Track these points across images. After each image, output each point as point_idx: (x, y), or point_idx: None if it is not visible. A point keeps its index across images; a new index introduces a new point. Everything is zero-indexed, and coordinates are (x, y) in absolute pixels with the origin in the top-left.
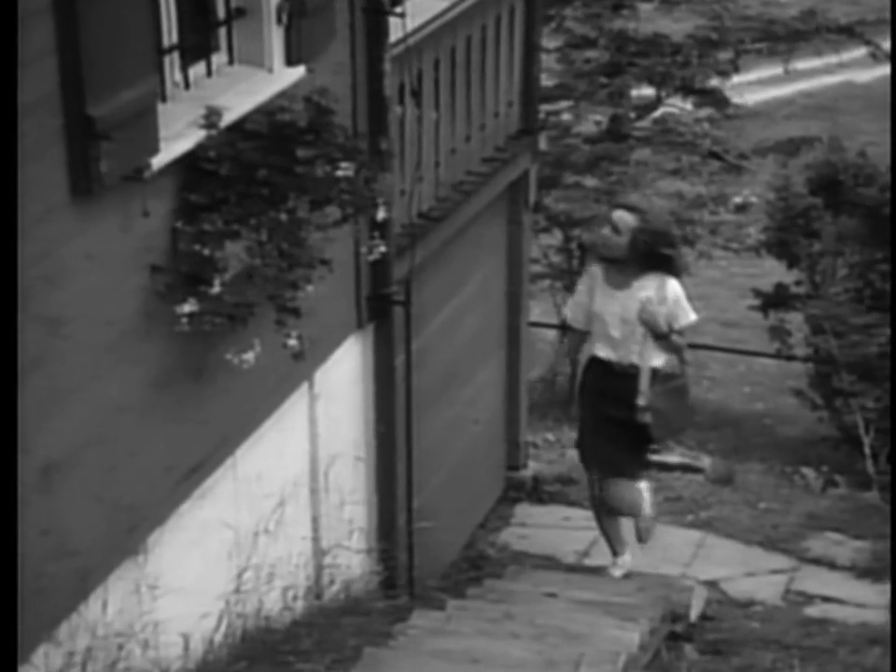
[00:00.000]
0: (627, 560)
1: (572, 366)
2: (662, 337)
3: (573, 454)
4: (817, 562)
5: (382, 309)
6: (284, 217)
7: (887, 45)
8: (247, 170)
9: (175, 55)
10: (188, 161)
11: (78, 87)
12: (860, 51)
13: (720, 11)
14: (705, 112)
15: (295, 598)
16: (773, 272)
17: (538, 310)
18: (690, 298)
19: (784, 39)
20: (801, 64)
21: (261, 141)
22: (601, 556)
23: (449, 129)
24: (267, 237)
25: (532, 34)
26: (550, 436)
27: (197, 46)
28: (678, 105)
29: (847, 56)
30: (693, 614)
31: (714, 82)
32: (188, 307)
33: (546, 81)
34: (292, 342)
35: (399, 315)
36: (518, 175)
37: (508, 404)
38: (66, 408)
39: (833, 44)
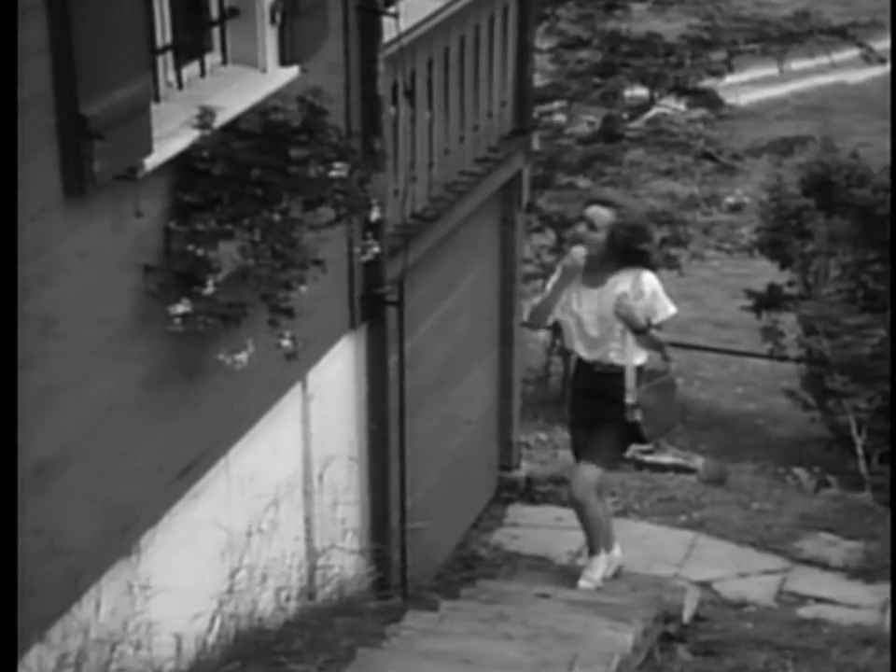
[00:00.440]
0: (616, 557)
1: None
2: (640, 332)
3: (566, 454)
4: (809, 562)
5: (375, 309)
6: (277, 217)
7: (879, 46)
8: (241, 170)
9: (169, 55)
10: (181, 161)
11: (71, 86)
12: (852, 53)
13: (712, 12)
14: (698, 112)
15: (288, 599)
16: (765, 272)
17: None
18: (670, 295)
19: (777, 40)
20: (793, 65)
21: (255, 141)
22: None
23: (442, 129)
24: (260, 237)
25: (525, 34)
26: (542, 436)
27: (190, 45)
28: (671, 106)
29: (839, 57)
30: (686, 615)
31: (707, 83)
32: (181, 307)
33: (539, 82)
34: (285, 342)
35: (393, 316)
36: (511, 175)
37: (500, 404)
38: (59, 407)
39: (825, 45)
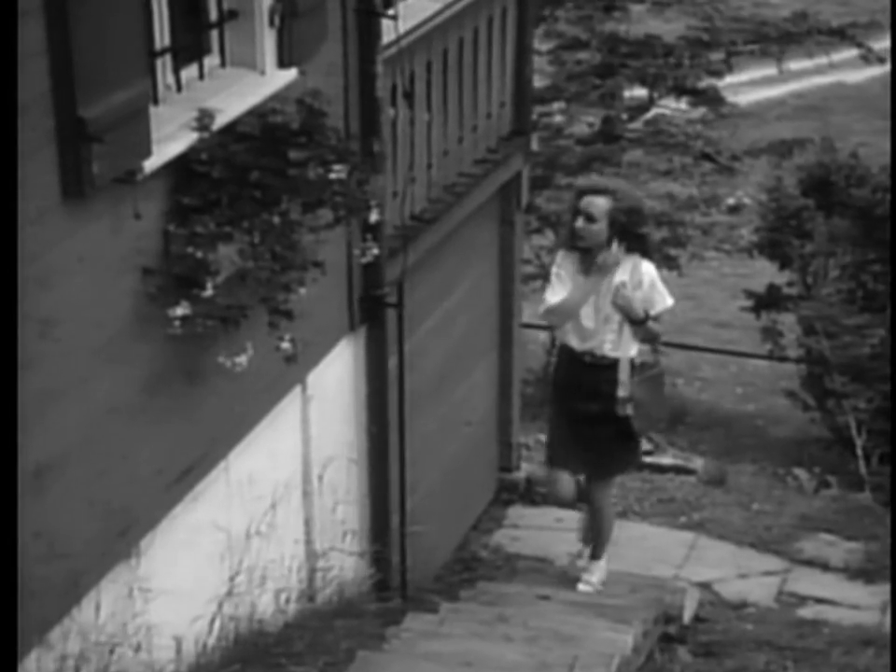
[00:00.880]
0: (603, 566)
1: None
2: (638, 324)
3: None
4: (809, 563)
5: (374, 311)
6: (276, 219)
7: (878, 47)
8: (240, 172)
9: (168, 57)
10: (180, 164)
11: (70, 89)
12: (850, 53)
13: (711, 13)
14: (698, 113)
15: (288, 601)
16: (765, 272)
17: (530, 311)
18: (665, 287)
19: (776, 41)
20: (792, 66)
21: (254, 143)
22: None
23: (441, 130)
24: (260, 239)
25: (524, 35)
26: (542, 437)
27: (189, 48)
28: (670, 107)
29: (837, 57)
30: (686, 616)
31: (706, 83)
32: (180, 310)
33: (538, 83)
34: (285, 344)
35: (392, 317)
36: (510, 176)
37: (500, 405)
38: (58, 410)
39: (824, 45)
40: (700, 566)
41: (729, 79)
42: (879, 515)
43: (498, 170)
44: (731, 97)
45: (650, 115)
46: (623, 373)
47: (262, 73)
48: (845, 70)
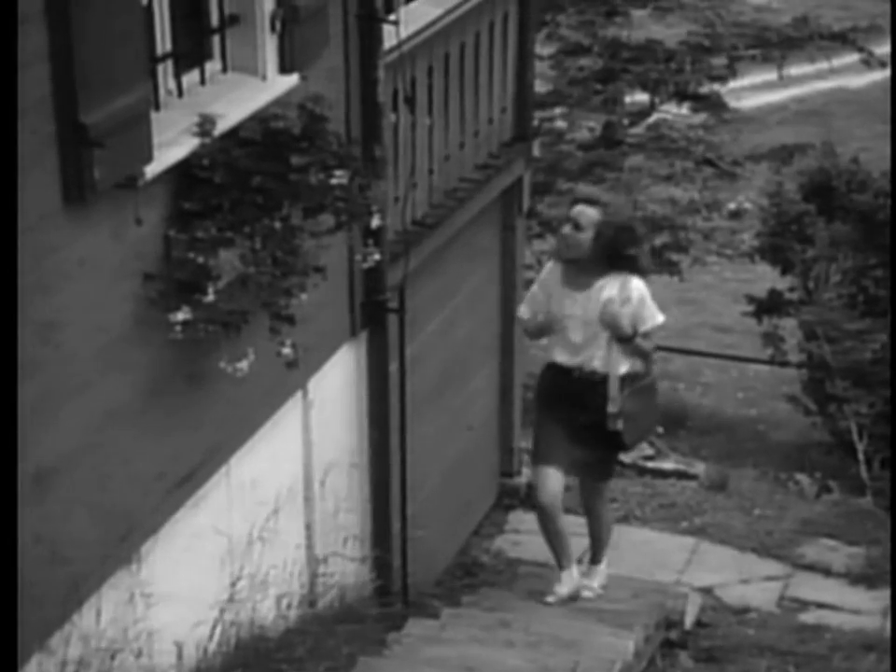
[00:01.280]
0: (574, 577)
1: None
2: (626, 341)
3: None
4: (811, 568)
5: (376, 316)
6: (278, 224)
7: (879, 51)
8: (241, 177)
9: (169, 63)
10: (181, 169)
11: (71, 94)
12: (851, 57)
13: (712, 18)
14: (699, 118)
15: (289, 606)
16: (766, 277)
17: None
18: (662, 300)
19: (777, 46)
20: (793, 70)
21: (255, 148)
22: None
23: (443, 135)
24: (261, 244)
25: (526, 41)
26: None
27: (190, 53)
28: (671, 112)
29: (838, 62)
30: (688, 621)
31: (708, 88)
32: (181, 315)
33: (540, 88)
34: (286, 350)
35: (393, 322)
36: (512, 181)
37: (501, 410)
38: (59, 415)
39: (825, 50)
40: (701, 571)
41: (730, 84)
42: (881, 520)
43: (500, 175)
44: (732, 102)
45: (651, 120)
46: (613, 390)
47: (264, 78)
48: (846, 75)
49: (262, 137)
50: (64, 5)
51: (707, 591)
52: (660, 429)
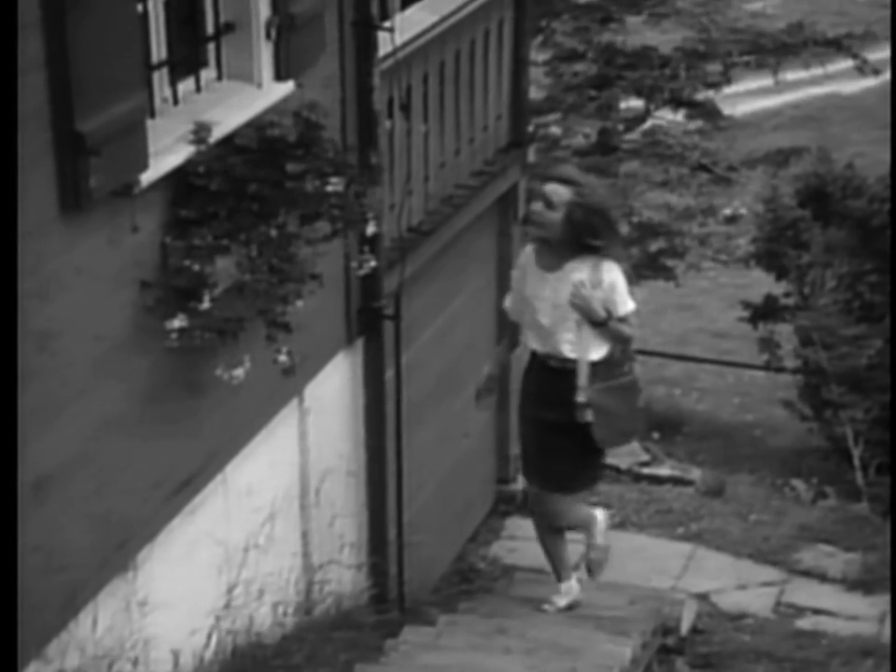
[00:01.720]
0: (573, 587)
1: (497, 367)
2: (600, 325)
3: None
4: (807, 574)
5: (372, 323)
6: (274, 231)
7: (873, 57)
8: (237, 185)
9: (164, 70)
10: (177, 177)
11: (67, 102)
12: (846, 63)
13: (707, 24)
14: (695, 124)
15: (285, 614)
16: (762, 283)
17: None
18: (628, 290)
19: (772, 52)
20: (788, 76)
21: (251, 156)
22: None
23: (438, 142)
24: (257, 252)
25: (521, 47)
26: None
27: (186, 61)
28: (666, 118)
29: (833, 68)
30: (685, 627)
31: (703, 94)
32: (177, 322)
33: (535, 94)
34: (282, 357)
35: (389, 329)
36: (507, 188)
37: (498, 417)
38: (56, 423)
39: (820, 56)
40: (698, 577)
41: (725, 90)
42: (877, 526)
43: (495, 182)
44: (727, 108)
45: (646, 126)
46: (582, 377)
47: (259, 86)
48: (840, 81)
49: (258, 145)
50: (61, 13)
51: (703, 597)
52: (655, 434)
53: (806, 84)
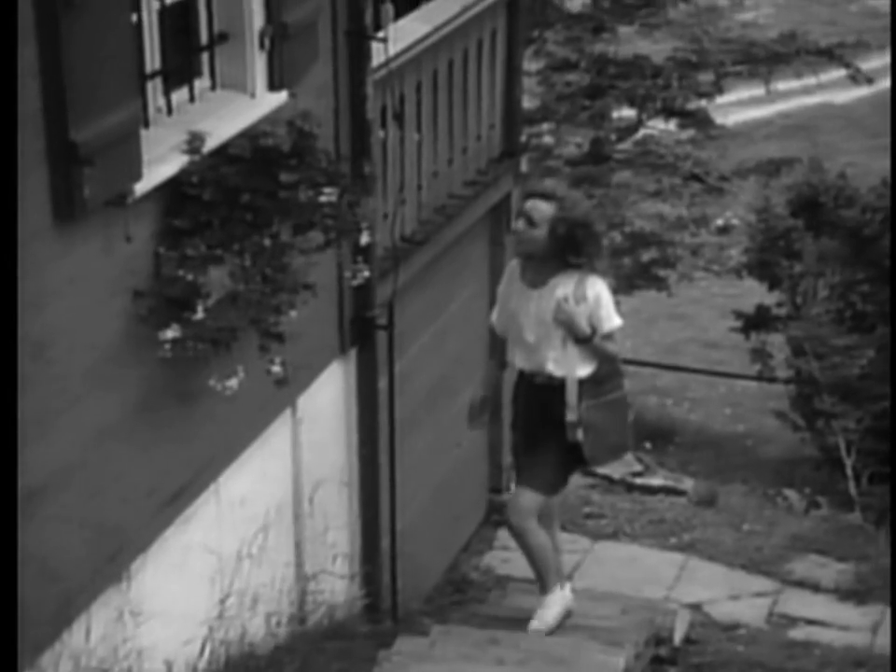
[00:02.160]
0: (563, 598)
1: (489, 388)
2: (584, 341)
3: None
4: (800, 584)
5: (365, 333)
6: (267, 241)
7: (865, 67)
8: (230, 195)
9: (158, 80)
10: (171, 186)
11: (61, 111)
12: (838, 73)
13: (699, 34)
14: (687, 134)
15: (278, 624)
16: (754, 293)
17: None
18: (614, 305)
19: (764, 61)
20: (780, 86)
21: (244, 166)
22: (585, 578)
23: (431, 152)
24: (250, 262)
25: (513, 57)
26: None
27: (180, 70)
28: (658, 128)
29: (825, 77)
30: (677, 637)
31: (695, 104)
32: (170, 332)
33: (527, 103)
34: (276, 368)
35: (382, 339)
36: (500, 197)
37: (490, 427)
38: (49, 432)
39: (812, 66)
40: (691, 587)
41: (717, 99)
42: (870, 535)
43: (488, 191)
44: (719, 117)
45: (638, 135)
46: (571, 395)
47: (253, 95)
48: (832, 90)
49: (251, 154)
50: (55, 22)
51: (696, 607)
52: (647, 444)
53: (798, 94)
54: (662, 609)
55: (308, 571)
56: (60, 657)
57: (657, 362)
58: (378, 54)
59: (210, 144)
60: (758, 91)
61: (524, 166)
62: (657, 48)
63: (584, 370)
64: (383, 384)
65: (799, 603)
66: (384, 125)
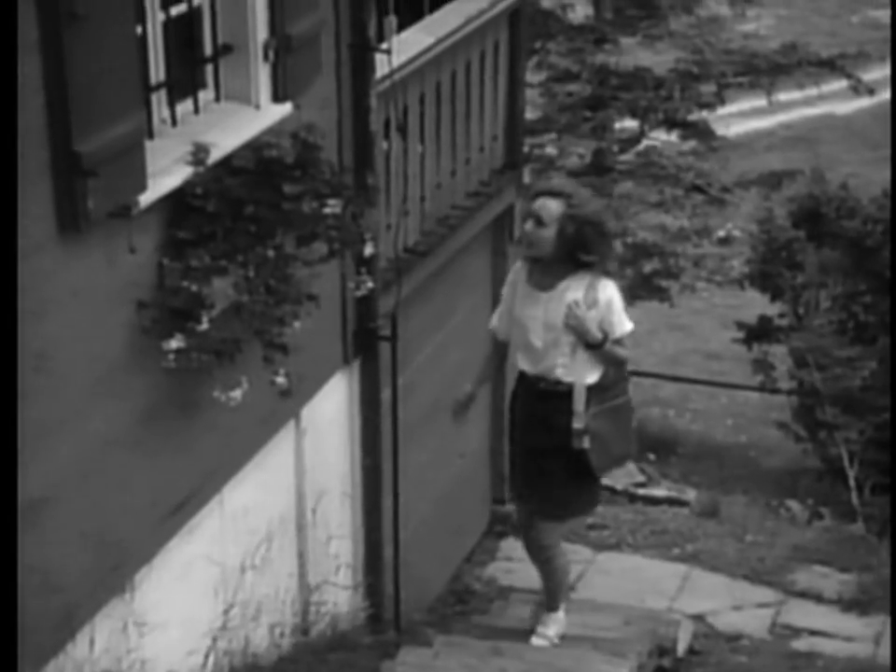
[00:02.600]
0: (561, 618)
1: (476, 384)
2: (595, 347)
3: None
4: (803, 595)
5: (368, 344)
6: (271, 252)
7: (867, 77)
8: (234, 206)
9: (163, 92)
10: (175, 198)
11: (65, 123)
12: (840, 84)
13: (701, 45)
14: (688, 145)
15: (282, 635)
16: (756, 304)
17: None
18: (624, 310)
19: (765, 72)
20: (781, 97)
21: (248, 177)
22: (588, 589)
23: (434, 163)
24: (254, 273)
25: (516, 68)
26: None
27: (184, 82)
28: (660, 139)
29: (826, 88)
30: (681, 648)
31: (697, 115)
32: (174, 343)
33: (529, 115)
34: (280, 379)
35: (385, 350)
36: (503, 208)
37: (493, 437)
38: (52, 443)
39: (813, 77)
40: (694, 597)
41: (719, 110)
42: (872, 546)
43: (491, 202)
44: (720, 128)
45: (640, 147)
46: (578, 403)
47: (257, 107)
48: (834, 101)
49: (255, 166)
50: (59, 34)
51: (699, 618)
52: (651, 455)
53: (800, 105)
54: (665, 619)
55: (311, 582)
56: (63, 668)
57: (659, 373)
58: (381, 66)
59: (214, 155)
60: (759, 102)
61: (526, 177)
62: (659, 59)
63: (593, 376)
64: (386, 394)
65: (802, 614)
66: (387, 137)
